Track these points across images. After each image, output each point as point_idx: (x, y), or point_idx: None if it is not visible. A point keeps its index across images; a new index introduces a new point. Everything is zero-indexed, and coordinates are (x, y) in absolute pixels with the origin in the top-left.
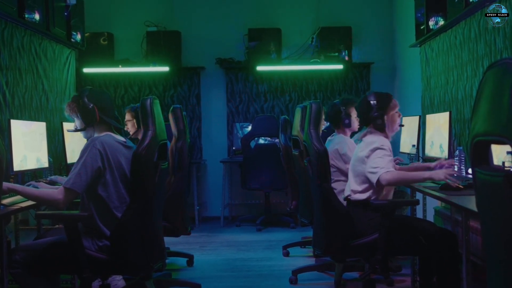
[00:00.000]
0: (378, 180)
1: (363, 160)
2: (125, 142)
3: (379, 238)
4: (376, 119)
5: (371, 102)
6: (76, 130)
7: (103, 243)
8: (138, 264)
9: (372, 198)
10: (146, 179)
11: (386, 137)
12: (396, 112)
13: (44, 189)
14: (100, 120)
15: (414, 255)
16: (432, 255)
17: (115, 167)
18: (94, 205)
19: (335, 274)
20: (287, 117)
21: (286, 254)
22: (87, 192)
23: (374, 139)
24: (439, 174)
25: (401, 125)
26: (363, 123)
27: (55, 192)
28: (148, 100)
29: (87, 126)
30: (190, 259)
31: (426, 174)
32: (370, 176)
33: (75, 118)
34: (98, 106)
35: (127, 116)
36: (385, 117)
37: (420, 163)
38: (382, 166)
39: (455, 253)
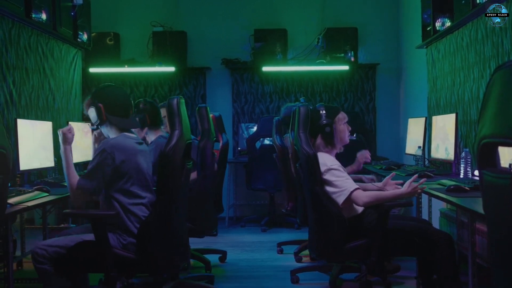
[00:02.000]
0: (350, 199)
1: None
2: (137, 140)
3: (373, 240)
4: (325, 127)
5: (320, 111)
6: (93, 128)
7: (127, 241)
8: (163, 264)
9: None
10: (172, 178)
11: (333, 149)
12: (345, 123)
13: (75, 176)
14: (109, 119)
15: (410, 256)
16: (428, 254)
17: (131, 167)
18: (117, 204)
19: (331, 274)
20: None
21: (280, 252)
22: (107, 193)
23: (324, 159)
24: (409, 191)
25: (352, 139)
26: (312, 134)
27: (75, 183)
28: (175, 100)
29: (96, 124)
30: (223, 255)
31: (398, 192)
32: (335, 197)
33: (90, 116)
34: (104, 105)
35: (163, 113)
36: (334, 126)
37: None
38: (344, 187)
39: (451, 250)
